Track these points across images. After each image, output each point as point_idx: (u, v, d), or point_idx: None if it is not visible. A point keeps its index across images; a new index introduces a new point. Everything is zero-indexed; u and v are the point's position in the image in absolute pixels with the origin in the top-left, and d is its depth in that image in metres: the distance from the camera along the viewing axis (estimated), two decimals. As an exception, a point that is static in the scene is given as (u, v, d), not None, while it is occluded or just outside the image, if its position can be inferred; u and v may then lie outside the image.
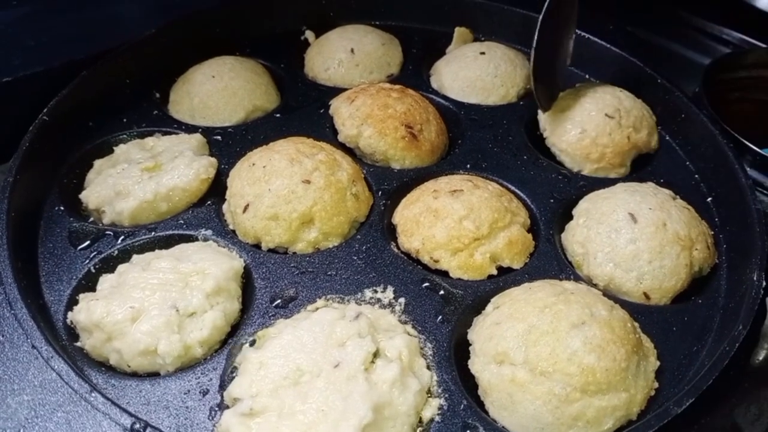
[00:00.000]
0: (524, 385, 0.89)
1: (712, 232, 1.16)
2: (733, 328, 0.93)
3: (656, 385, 0.93)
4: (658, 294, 1.07)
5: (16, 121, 1.22)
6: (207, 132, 1.34)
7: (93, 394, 0.82)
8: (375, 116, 1.29)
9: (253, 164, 1.16)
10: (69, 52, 1.37)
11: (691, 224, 1.11)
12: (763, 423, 1.00)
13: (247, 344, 0.95)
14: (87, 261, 1.08)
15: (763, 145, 1.31)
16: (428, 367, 0.94)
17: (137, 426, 0.79)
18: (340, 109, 1.34)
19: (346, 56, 1.52)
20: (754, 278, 0.99)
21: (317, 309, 1.00)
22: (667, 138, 1.39)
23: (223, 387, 0.90)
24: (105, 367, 0.95)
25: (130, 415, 0.80)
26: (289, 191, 1.12)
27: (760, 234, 1.05)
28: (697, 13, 1.85)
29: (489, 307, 1.01)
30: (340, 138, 1.30)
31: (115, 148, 1.28)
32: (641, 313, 1.02)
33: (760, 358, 1.13)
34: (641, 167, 1.33)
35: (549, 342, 0.90)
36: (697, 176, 1.30)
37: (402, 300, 1.03)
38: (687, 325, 1.02)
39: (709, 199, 1.24)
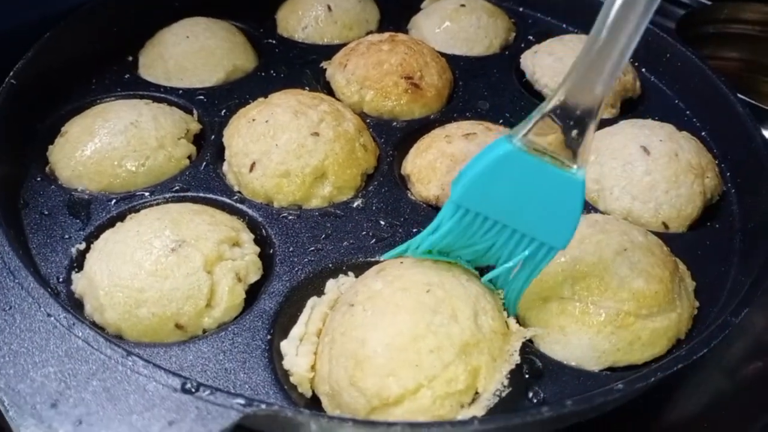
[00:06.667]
0: (576, 317, 0.87)
1: (716, 161, 1.18)
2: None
3: (697, 304, 0.94)
4: (676, 222, 1.08)
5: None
6: (188, 93, 1.26)
7: (130, 358, 0.74)
8: (372, 77, 1.24)
9: (253, 120, 1.09)
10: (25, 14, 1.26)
11: (700, 153, 1.13)
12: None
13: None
14: (80, 230, 0.98)
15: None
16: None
17: (188, 386, 0.71)
18: (335, 77, 1.29)
19: (324, 13, 1.46)
20: (776, 198, 1.01)
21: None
22: (653, 79, 1.41)
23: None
24: (121, 337, 0.87)
25: (178, 375, 0.73)
26: (298, 145, 1.05)
27: (768, 158, 1.08)
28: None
29: (523, 247, 0.98)
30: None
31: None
32: (665, 240, 1.02)
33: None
34: (632, 108, 1.34)
35: (596, 271, 0.88)
36: (688, 112, 1.32)
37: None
38: (710, 249, 1.04)
39: (704, 132, 1.27)
